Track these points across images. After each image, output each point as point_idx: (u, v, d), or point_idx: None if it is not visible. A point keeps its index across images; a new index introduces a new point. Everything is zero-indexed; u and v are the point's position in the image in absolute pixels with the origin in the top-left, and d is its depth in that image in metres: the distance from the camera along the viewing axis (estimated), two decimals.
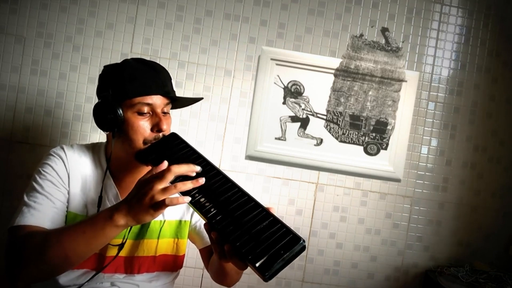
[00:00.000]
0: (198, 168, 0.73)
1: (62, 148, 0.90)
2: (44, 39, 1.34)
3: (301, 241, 0.60)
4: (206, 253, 1.02)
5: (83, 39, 1.35)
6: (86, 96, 1.36)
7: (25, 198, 0.82)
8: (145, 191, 0.68)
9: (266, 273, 0.58)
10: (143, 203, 0.67)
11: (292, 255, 0.60)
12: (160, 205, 0.67)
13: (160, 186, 0.67)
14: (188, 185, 0.69)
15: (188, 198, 0.69)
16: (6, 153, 1.34)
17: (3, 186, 1.34)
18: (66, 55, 1.35)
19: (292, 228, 0.63)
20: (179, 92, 1.37)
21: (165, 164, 0.72)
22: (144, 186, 0.69)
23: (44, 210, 0.81)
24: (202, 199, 0.70)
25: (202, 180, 0.70)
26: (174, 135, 0.86)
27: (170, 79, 0.91)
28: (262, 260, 0.59)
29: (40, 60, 1.34)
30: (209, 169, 0.75)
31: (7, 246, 0.77)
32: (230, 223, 0.66)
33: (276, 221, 0.65)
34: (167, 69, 0.92)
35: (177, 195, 0.69)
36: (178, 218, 0.98)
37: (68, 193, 0.87)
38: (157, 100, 0.85)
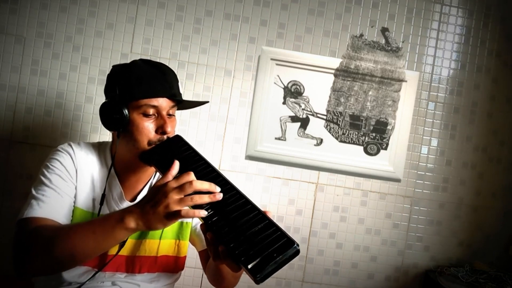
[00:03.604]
0: (218, 189, 0.70)
1: (70, 145, 0.91)
2: (44, 39, 1.34)
3: (295, 245, 0.60)
4: (205, 255, 1.01)
5: (83, 39, 1.35)
6: (86, 96, 1.36)
7: (33, 192, 0.82)
8: (161, 199, 0.67)
9: (258, 275, 0.58)
10: (157, 210, 0.66)
11: (285, 259, 0.60)
12: (175, 215, 0.66)
13: (177, 196, 0.66)
14: (205, 199, 0.67)
15: (204, 212, 0.67)
16: (6, 153, 1.34)
17: (3, 186, 1.34)
18: (66, 55, 1.35)
19: (287, 232, 0.63)
20: None
21: (176, 164, 0.72)
22: (160, 193, 0.67)
23: (53, 203, 0.82)
24: None
25: (219, 196, 0.68)
26: (178, 138, 0.86)
27: (177, 81, 0.91)
28: (254, 262, 0.59)
29: (40, 60, 1.34)
30: (209, 171, 0.76)
31: (15, 238, 0.77)
32: (226, 224, 0.66)
33: (271, 224, 0.65)
34: None
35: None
36: (179, 220, 0.98)
37: (76, 188, 0.88)
38: (163, 103, 0.86)
